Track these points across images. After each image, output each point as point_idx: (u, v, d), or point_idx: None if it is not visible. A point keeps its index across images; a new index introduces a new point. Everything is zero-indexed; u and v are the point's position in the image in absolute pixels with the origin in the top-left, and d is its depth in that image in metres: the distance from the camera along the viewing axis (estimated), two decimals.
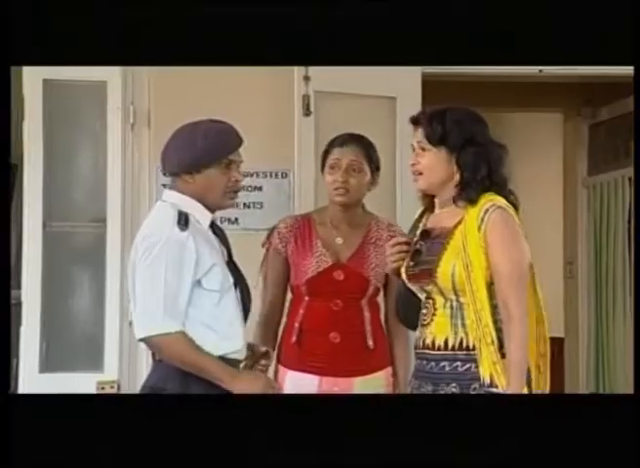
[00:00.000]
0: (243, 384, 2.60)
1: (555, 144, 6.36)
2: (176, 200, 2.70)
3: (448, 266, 2.58)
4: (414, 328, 2.79)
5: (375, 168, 3.19)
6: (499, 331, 2.55)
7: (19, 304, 4.02)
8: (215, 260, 2.65)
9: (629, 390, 3.38)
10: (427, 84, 4.19)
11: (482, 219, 2.57)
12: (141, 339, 2.62)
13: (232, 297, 2.71)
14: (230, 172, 2.69)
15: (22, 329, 4.00)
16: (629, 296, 5.42)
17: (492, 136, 2.68)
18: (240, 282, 2.77)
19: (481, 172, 2.61)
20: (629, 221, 5.41)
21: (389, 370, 3.18)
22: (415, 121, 2.70)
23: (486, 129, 2.68)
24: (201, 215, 2.70)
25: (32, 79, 3.99)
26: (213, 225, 2.76)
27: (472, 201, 2.61)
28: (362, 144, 3.18)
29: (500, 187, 2.65)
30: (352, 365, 3.09)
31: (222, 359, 2.63)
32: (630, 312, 5.26)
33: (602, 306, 5.82)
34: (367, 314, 3.12)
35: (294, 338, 3.11)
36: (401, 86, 4.11)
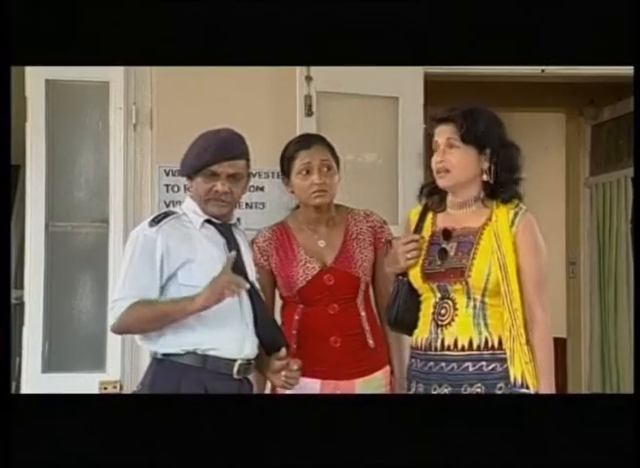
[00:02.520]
0: (204, 297, 2.64)
1: (558, 144, 6.35)
2: (186, 199, 2.90)
3: (483, 265, 2.59)
4: (407, 331, 2.77)
5: (338, 165, 3.17)
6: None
7: (21, 304, 4.02)
8: (191, 256, 2.73)
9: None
10: (430, 84, 4.19)
11: (512, 221, 2.61)
12: (114, 331, 2.80)
13: None
14: (212, 182, 2.78)
15: (25, 329, 3.99)
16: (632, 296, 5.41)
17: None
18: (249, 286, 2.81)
19: (517, 172, 2.66)
20: (631, 221, 5.41)
21: (387, 368, 3.17)
22: (443, 118, 2.69)
23: (505, 129, 2.73)
24: (193, 216, 2.83)
25: (35, 79, 3.99)
26: (218, 227, 2.83)
27: (505, 200, 2.65)
28: (326, 143, 3.16)
29: (517, 188, 2.70)
30: (354, 367, 3.07)
31: (202, 356, 2.69)
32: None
33: (605, 306, 5.82)
34: (363, 313, 3.11)
35: (294, 345, 3.07)
36: (403, 86, 4.11)
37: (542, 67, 4.29)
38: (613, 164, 5.79)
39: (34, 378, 3.95)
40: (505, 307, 2.56)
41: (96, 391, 3.88)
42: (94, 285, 4.09)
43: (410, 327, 2.73)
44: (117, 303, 2.72)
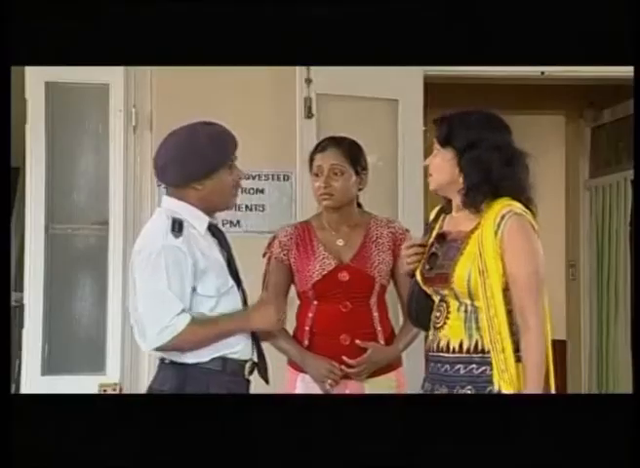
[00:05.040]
0: (256, 320, 2.70)
1: (557, 147, 6.36)
2: (173, 206, 2.70)
3: (464, 271, 2.56)
4: (425, 328, 2.78)
5: (361, 168, 3.18)
6: (513, 335, 2.53)
7: (21, 306, 4.02)
8: (208, 265, 2.65)
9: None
10: (429, 86, 4.19)
11: (498, 225, 2.53)
12: (158, 348, 2.63)
13: (231, 301, 2.71)
14: (233, 170, 2.72)
15: (25, 331, 4.00)
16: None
17: (509, 143, 2.63)
18: (241, 284, 2.79)
19: (479, 177, 2.57)
20: (630, 224, 5.41)
21: (400, 370, 3.20)
22: (434, 122, 2.70)
23: (498, 133, 2.62)
24: (197, 220, 2.70)
25: (35, 82, 4.00)
26: (212, 228, 2.76)
27: (475, 207, 2.59)
28: (342, 147, 3.17)
29: (515, 193, 2.60)
30: None
31: (223, 360, 2.65)
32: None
33: (604, 308, 5.82)
34: (376, 314, 3.14)
35: (306, 342, 3.12)
36: (403, 88, 4.12)
37: (542, 69, 4.29)
38: (612, 166, 5.80)
39: (34, 381, 3.95)
40: (484, 313, 2.54)
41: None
42: (93, 287, 4.10)
43: (427, 326, 2.74)
44: (174, 321, 2.58)
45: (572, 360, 6.01)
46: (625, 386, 5.30)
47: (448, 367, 2.61)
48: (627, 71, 2.79)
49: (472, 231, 2.60)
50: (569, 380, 5.97)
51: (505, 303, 2.55)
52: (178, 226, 2.63)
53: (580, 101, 5.90)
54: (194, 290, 2.63)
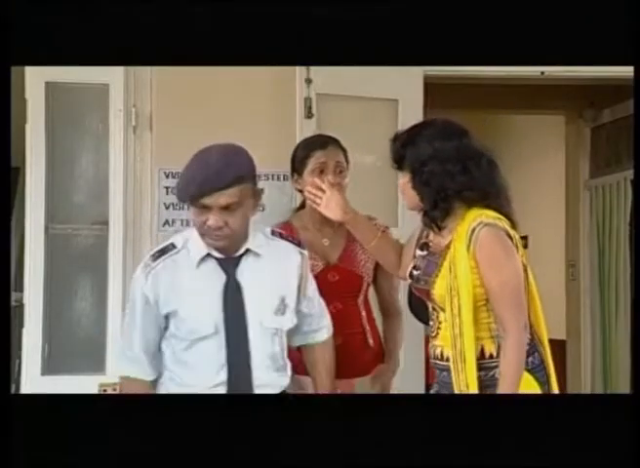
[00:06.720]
0: None
1: (557, 147, 6.36)
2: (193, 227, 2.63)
3: (442, 290, 2.58)
4: (426, 323, 2.79)
5: (347, 168, 3.17)
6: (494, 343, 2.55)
7: (21, 306, 4.02)
8: (177, 308, 2.56)
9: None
10: (429, 86, 4.19)
11: (470, 239, 2.52)
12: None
13: (209, 349, 2.57)
14: (204, 215, 2.49)
15: (24, 331, 4.00)
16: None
17: (465, 149, 2.58)
18: (234, 326, 2.59)
19: (434, 198, 2.56)
20: (630, 223, 5.42)
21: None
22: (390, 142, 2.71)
23: (450, 143, 2.57)
24: (195, 249, 2.59)
25: (35, 82, 3.99)
26: (221, 263, 2.59)
27: (437, 227, 2.60)
28: (340, 145, 3.16)
29: (481, 201, 2.57)
30: (354, 366, 3.09)
31: None
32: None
33: (604, 308, 5.83)
34: (363, 313, 3.15)
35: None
36: (403, 88, 4.12)
37: (542, 69, 4.30)
38: (612, 166, 5.80)
39: (34, 381, 3.95)
40: (449, 329, 2.54)
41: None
42: (93, 287, 4.09)
43: (424, 319, 2.77)
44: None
45: (572, 360, 6.02)
46: (626, 387, 5.30)
47: (445, 373, 2.64)
48: (627, 71, 2.79)
49: (447, 246, 2.59)
50: (569, 380, 5.97)
51: (486, 316, 2.56)
52: (155, 256, 2.58)
53: (580, 101, 5.90)
54: (168, 323, 2.59)
